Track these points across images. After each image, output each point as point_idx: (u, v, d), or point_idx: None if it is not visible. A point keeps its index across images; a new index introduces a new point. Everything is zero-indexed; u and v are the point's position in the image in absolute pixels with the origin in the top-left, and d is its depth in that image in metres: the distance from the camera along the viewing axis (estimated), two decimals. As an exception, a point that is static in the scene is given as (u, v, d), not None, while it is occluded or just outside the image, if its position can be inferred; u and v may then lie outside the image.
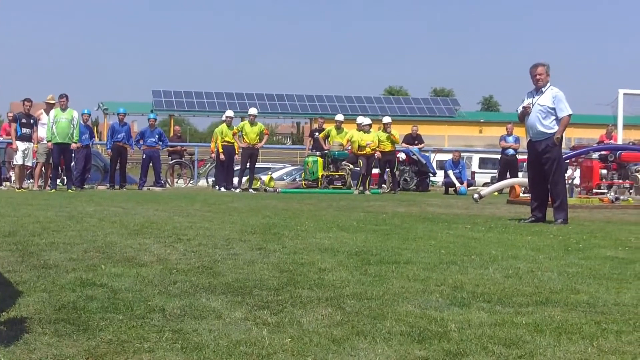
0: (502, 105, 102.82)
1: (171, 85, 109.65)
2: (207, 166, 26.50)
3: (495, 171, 26.94)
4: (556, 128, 11.42)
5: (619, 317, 4.51)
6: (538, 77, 11.54)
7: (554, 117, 11.43)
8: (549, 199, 11.64)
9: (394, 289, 5.34)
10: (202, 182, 25.99)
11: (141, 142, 23.40)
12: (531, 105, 11.51)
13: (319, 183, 22.22)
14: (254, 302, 4.81)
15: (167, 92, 62.50)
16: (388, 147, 22.71)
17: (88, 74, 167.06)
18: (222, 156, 21.97)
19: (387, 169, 23.12)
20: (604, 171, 17.78)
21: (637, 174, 17.59)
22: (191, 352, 3.64)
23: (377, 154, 22.39)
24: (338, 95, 66.94)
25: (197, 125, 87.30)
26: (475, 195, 16.80)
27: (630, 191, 17.40)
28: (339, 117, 23.62)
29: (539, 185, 11.66)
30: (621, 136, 22.84)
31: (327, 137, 23.00)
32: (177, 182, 25.91)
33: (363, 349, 3.71)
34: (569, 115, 11.48)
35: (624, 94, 22.72)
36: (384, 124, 23.16)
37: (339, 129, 23.01)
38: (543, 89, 11.52)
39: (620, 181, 17.75)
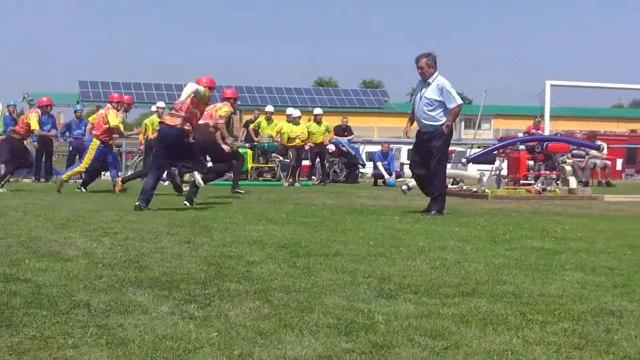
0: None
1: (98, 75, 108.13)
2: (135, 158, 26.17)
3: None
4: (443, 119, 11.27)
5: (544, 308, 4.57)
6: (420, 70, 11.38)
7: (441, 109, 11.27)
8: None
9: (322, 281, 5.33)
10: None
11: (67, 134, 23.02)
12: (419, 97, 11.41)
13: (249, 175, 22.13)
14: (181, 296, 4.76)
15: (94, 82, 61.53)
16: (318, 138, 22.74)
17: (13, 64, 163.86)
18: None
19: (317, 161, 23.13)
20: (531, 162, 18.04)
21: (564, 165, 17.89)
22: (116, 347, 3.58)
23: (307, 145, 22.39)
24: (268, 87, 66.77)
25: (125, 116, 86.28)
26: (404, 187, 16.90)
27: (557, 182, 17.68)
28: (269, 108, 23.56)
29: (421, 173, 11.64)
30: (548, 127, 23.15)
31: (257, 128, 22.93)
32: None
33: (290, 342, 3.70)
34: (459, 105, 11.35)
35: (551, 85, 23.04)
36: (314, 116, 23.17)
37: (269, 120, 22.94)
38: (430, 81, 11.34)
39: (547, 172, 18.03)
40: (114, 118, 16.14)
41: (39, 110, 18.32)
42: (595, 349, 3.68)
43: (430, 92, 11.31)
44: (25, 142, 18.41)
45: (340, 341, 3.73)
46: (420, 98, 11.42)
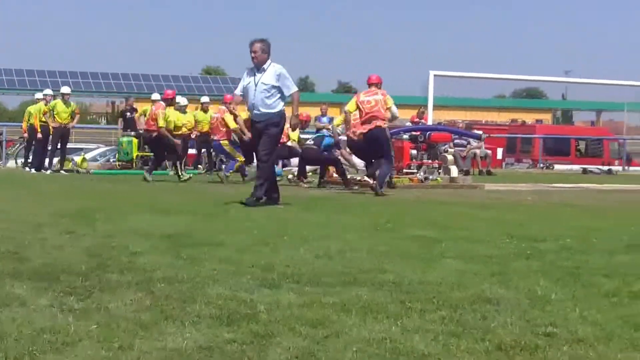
0: (318, 86, 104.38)
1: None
2: (16, 147, 25.50)
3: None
4: (280, 107, 11.07)
5: (423, 296, 4.66)
6: (254, 54, 11.02)
7: (278, 96, 11.03)
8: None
9: (205, 271, 5.32)
10: (11, 163, 24.99)
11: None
12: (254, 84, 10.99)
13: (134, 164, 21.83)
14: (61, 288, 4.67)
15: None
16: (205, 127, 22.57)
17: None
18: (39, 135, 21.16)
19: (204, 150, 22.99)
20: (414, 151, 18.35)
21: (445, 154, 18.29)
22: (-8, 341, 3.51)
23: (194, 134, 22.21)
24: (155, 74, 65.87)
25: (6, 103, 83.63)
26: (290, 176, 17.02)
27: (439, 171, 18.05)
28: (155, 96, 23.26)
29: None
30: (431, 117, 23.60)
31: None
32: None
33: (171, 334, 3.69)
34: (298, 92, 11.24)
35: (435, 75, 23.47)
36: (201, 104, 23.00)
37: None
38: (265, 67, 11.01)
39: (430, 161, 18.37)
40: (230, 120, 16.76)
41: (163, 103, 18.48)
42: (472, 336, 3.79)
43: (268, 79, 10.95)
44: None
45: (222, 331, 3.74)
46: (256, 85, 10.98)
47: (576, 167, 32.04)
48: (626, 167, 33.84)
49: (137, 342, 3.55)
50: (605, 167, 30.47)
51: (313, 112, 27.90)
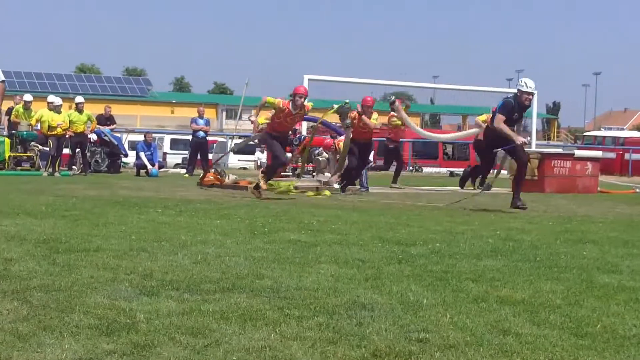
0: (194, 87, 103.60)
1: None
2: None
3: (187, 152, 27.14)
4: None
5: (300, 302, 4.77)
6: None
7: None
8: None
9: (83, 279, 5.29)
10: None
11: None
12: None
13: (6, 165, 21.24)
14: None
15: None
16: (80, 127, 22.16)
17: None
18: None
19: (78, 150, 22.56)
20: (289, 154, 18.51)
21: (319, 158, 18.51)
22: None
23: (68, 134, 21.77)
24: (27, 72, 64.16)
25: None
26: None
27: (314, 174, 18.26)
28: (27, 97, 22.71)
29: None
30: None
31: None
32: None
33: (50, 345, 3.67)
34: (3, 81, 9.68)
35: (309, 79, 23.68)
36: (75, 104, 22.55)
37: (27, 109, 22.15)
38: None
39: (305, 164, 18.57)
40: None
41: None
42: (348, 343, 3.91)
43: None
44: None
45: (101, 342, 3.75)
46: None
47: (444, 170, 32.87)
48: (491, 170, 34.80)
49: (15, 354, 3.53)
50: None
51: (190, 113, 27.80)
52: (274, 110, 14.13)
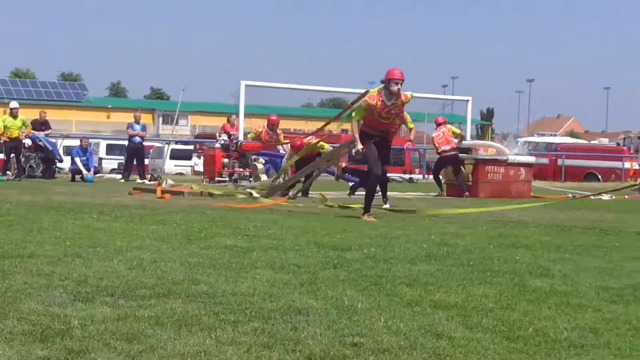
0: (130, 92, 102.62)
1: None
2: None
3: (123, 158, 26.92)
4: None
5: (236, 307, 4.78)
6: None
7: None
8: None
9: (17, 285, 5.23)
10: None
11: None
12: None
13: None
14: None
15: None
16: (14, 133, 21.86)
17: None
18: None
19: (12, 156, 22.26)
20: (226, 160, 18.53)
21: (256, 163, 18.53)
22: None
23: (2, 140, 21.47)
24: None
25: None
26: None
27: (250, 179, 18.26)
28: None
29: None
30: (242, 125, 23.77)
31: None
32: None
33: (-17, 352, 3.64)
34: None
35: (246, 85, 23.70)
36: (10, 109, 22.23)
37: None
38: None
39: (241, 169, 18.57)
40: None
41: None
42: (283, 347, 3.94)
43: None
44: None
45: (35, 348, 3.72)
46: None
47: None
48: (426, 176, 35.15)
49: (-54, 361, 3.48)
50: (407, 176, 31.60)
51: (126, 118, 27.58)
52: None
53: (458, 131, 20.61)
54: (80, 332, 4.05)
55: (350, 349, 3.97)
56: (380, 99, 11.51)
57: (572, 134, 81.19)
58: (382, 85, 11.72)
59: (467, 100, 25.90)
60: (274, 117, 19.76)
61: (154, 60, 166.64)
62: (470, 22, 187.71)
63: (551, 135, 55.82)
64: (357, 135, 11.60)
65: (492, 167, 19.60)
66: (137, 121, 24.33)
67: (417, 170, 36.51)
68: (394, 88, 11.46)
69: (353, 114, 11.57)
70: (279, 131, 20.09)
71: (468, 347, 4.07)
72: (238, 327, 4.28)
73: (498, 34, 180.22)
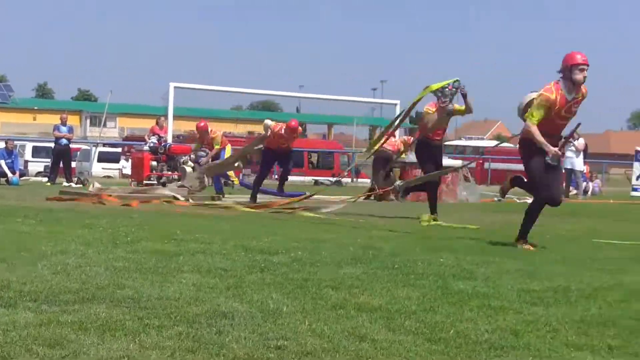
0: (57, 93, 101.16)
1: None
2: None
3: (49, 160, 26.52)
4: None
5: (161, 312, 4.77)
6: None
7: None
8: None
9: (-63, 291, 5.15)
10: None
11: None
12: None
13: None
14: None
15: None
16: None
17: None
18: None
19: None
20: (154, 163, 18.42)
21: (184, 166, 18.44)
22: None
23: None
24: None
25: None
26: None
27: (179, 182, 18.16)
28: None
29: None
30: (171, 127, 23.69)
31: None
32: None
33: None
34: None
35: (175, 87, 23.62)
36: None
37: None
38: None
39: (170, 173, 18.48)
40: None
41: None
42: (207, 351, 3.95)
43: None
44: None
45: (-45, 355, 3.68)
46: None
47: (309, 179, 33.17)
48: (355, 179, 35.35)
49: None
50: (335, 179, 31.73)
51: (53, 120, 27.22)
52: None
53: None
54: (2, 337, 4.01)
55: (274, 352, 4.00)
56: (560, 92, 8.95)
57: (499, 138, 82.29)
58: (560, 76, 9.02)
59: (396, 104, 26.16)
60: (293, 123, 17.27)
61: (81, 61, 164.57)
62: (400, 26, 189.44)
63: (478, 139, 56.55)
64: (542, 139, 8.84)
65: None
66: (63, 123, 23.99)
67: (345, 174, 36.67)
68: (579, 77, 8.89)
69: (530, 117, 8.97)
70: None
71: (390, 349, 4.14)
72: (162, 332, 4.28)
73: (424, 37, 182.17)
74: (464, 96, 12.51)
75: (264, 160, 16.85)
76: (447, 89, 12.50)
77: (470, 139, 57.01)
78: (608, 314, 5.19)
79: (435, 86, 12.47)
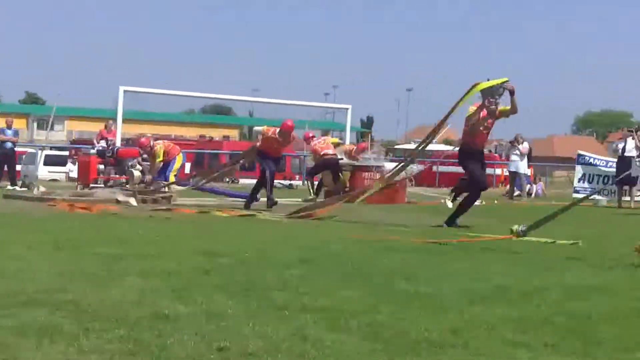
0: (4, 96, 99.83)
1: None
2: None
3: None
4: None
5: (102, 315, 4.73)
6: None
7: None
8: None
9: None
10: None
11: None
12: None
13: None
14: None
15: None
16: None
17: None
18: None
19: None
20: (102, 166, 18.29)
21: (132, 170, 18.32)
22: None
23: None
24: None
25: None
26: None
27: (127, 186, 18.04)
28: None
29: None
30: (120, 131, 23.51)
31: None
32: None
33: None
34: None
35: (125, 90, 23.47)
36: None
37: None
38: None
39: (117, 176, 18.35)
40: None
41: None
42: (148, 354, 3.93)
43: None
44: None
45: None
46: None
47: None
48: (307, 182, 35.38)
49: None
50: (287, 182, 31.77)
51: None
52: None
53: (337, 140, 20.85)
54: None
55: (216, 353, 4.01)
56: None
57: (447, 142, 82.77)
58: None
59: (347, 109, 26.26)
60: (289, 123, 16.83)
61: (29, 64, 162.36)
62: (352, 31, 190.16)
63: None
64: None
65: (370, 173, 19.89)
66: (9, 126, 23.68)
67: (297, 177, 36.71)
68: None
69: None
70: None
71: (332, 349, 4.16)
72: (103, 335, 4.25)
73: (379, 43, 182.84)
74: (512, 93, 11.83)
75: (262, 165, 16.20)
76: (498, 88, 11.85)
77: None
78: (545, 313, 5.27)
79: (485, 84, 11.78)
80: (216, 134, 57.42)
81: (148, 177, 17.73)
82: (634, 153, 20.49)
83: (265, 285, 6.04)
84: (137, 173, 18.20)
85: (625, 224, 11.82)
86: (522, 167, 24.34)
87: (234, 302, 5.31)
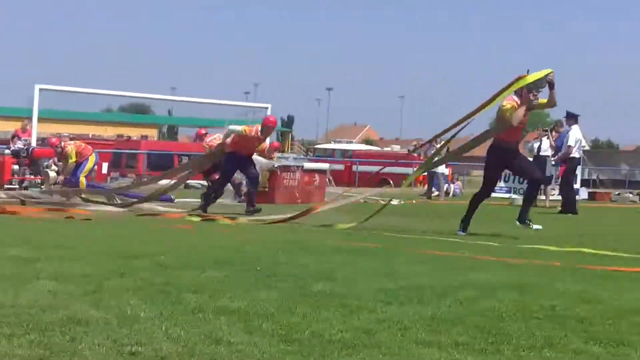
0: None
1: None
2: None
3: None
4: None
5: (13, 320, 4.66)
6: None
7: None
8: None
9: None
10: None
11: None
12: None
13: None
14: None
15: None
16: None
17: None
18: None
19: None
20: (16, 167, 17.97)
21: (47, 170, 18.05)
22: None
23: None
24: None
25: None
26: None
27: (42, 186, 17.76)
28: None
29: None
30: (36, 130, 23.12)
31: None
32: None
33: None
34: None
35: (40, 89, 23.08)
36: None
37: None
38: None
39: (33, 177, 18.05)
40: None
41: None
42: (59, 359, 3.90)
43: None
44: None
45: None
46: None
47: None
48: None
49: None
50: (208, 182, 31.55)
51: None
52: None
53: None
54: None
55: (127, 357, 3.99)
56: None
57: (367, 141, 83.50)
58: None
59: (267, 108, 26.25)
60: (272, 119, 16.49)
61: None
62: (273, 27, 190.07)
63: (347, 142, 57.17)
64: None
65: (289, 173, 19.98)
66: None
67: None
68: None
69: None
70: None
71: (245, 352, 4.17)
72: (13, 340, 4.20)
73: (299, 42, 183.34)
74: (551, 86, 11.42)
75: (229, 166, 15.80)
76: (542, 81, 11.31)
77: (340, 142, 57.57)
78: (457, 312, 5.36)
79: (531, 77, 11.23)
80: (135, 132, 56.79)
81: (60, 178, 17.50)
82: (549, 152, 20.95)
83: (180, 288, 6.01)
84: (52, 174, 17.93)
85: (539, 223, 12.06)
86: (440, 167, 24.68)
87: (148, 306, 5.27)
